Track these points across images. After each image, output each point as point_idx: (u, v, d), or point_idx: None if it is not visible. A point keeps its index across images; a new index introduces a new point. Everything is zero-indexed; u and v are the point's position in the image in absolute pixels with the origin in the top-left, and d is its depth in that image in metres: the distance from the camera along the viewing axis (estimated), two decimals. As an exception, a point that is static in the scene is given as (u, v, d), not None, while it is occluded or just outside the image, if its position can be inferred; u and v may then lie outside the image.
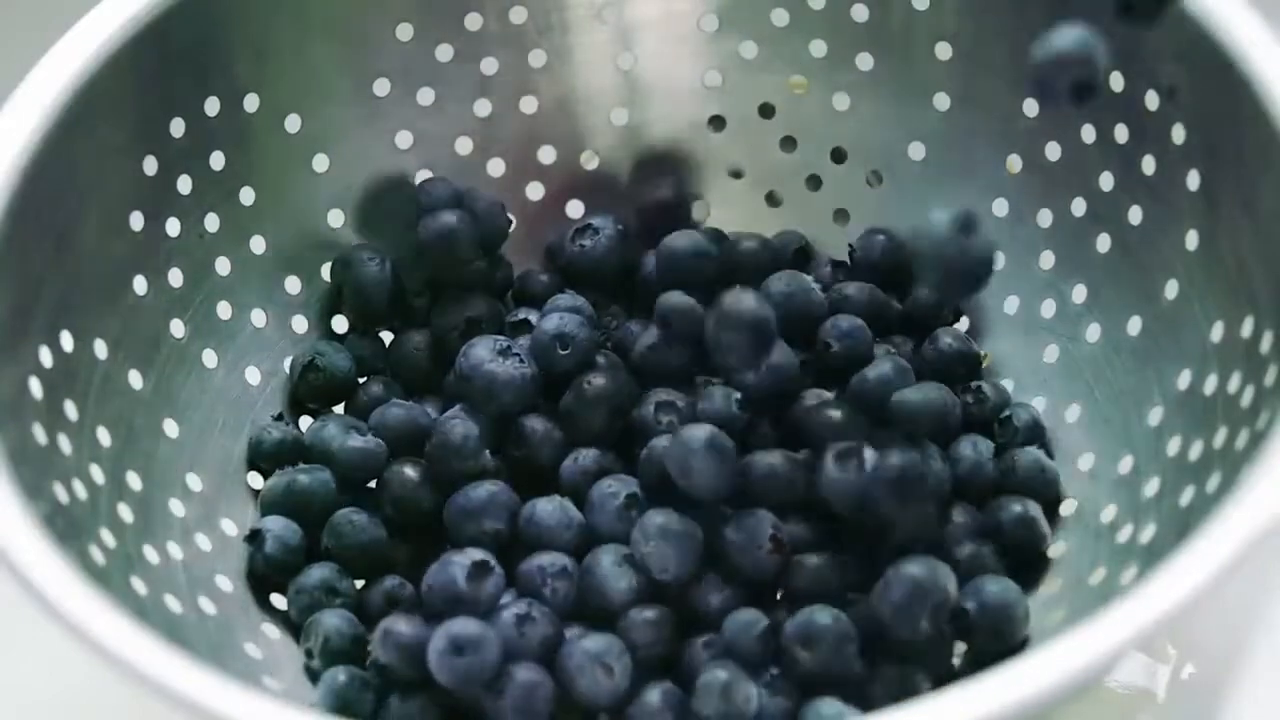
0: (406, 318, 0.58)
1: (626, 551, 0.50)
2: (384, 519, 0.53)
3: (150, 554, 0.49)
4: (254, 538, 0.52)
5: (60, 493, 0.46)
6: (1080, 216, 0.55)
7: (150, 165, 0.53)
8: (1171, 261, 0.51)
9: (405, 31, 0.57)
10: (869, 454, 0.48)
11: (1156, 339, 0.52)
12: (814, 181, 0.60)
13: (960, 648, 0.50)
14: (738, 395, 0.52)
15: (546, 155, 0.60)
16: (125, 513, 0.49)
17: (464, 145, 0.60)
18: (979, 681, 0.39)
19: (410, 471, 0.53)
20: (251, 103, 0.55)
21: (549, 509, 0.51)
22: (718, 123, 0.60)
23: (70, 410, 0.49)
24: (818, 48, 0.58)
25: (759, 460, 0.51)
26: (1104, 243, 0.54)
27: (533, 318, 0.56)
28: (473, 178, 0.60)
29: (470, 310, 0.56)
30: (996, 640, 0.48)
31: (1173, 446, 0.49)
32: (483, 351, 0.53)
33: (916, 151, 0.58)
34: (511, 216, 0.59)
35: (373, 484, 0.54)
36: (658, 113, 0.60)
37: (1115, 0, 0.46)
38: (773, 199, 0.60)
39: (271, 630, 0.51)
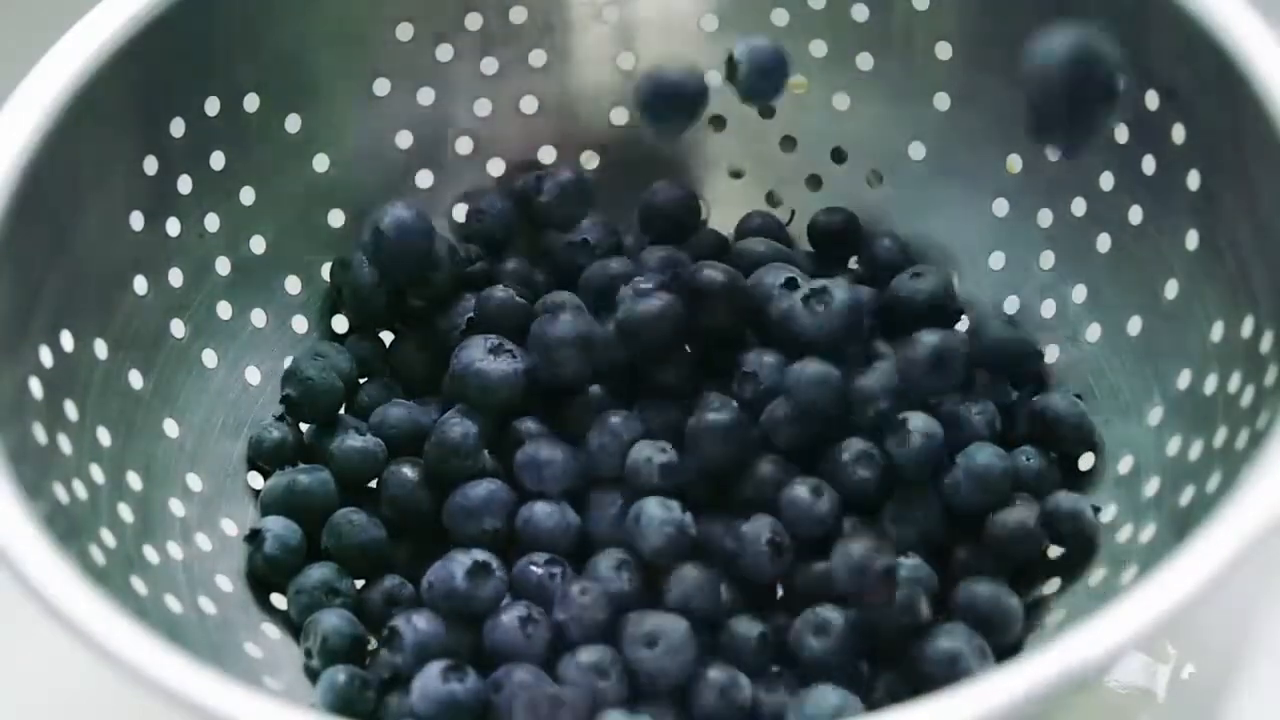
0: (406, 318, 0.58)
1: (623, 556, 0.50)
2: (383, 519, 0.53)
3: (150, 554, 0.49)
4: (254, 538, 0.52)
5: (60, 493, 0.46)
6: (1080, 216, 0.55)
7: (150, 165, 0.53)
8: (1171, 261, 0.51)
9: (405, 31, 0.57)
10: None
11: (1156, 339, 0.52)
12: (814, 181, 0.60)
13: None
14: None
15: (546, 155, 0.60)
16: (125, 513, 0.49)
17: (464, 145, 0.60)
18: (979, 682, 0.39)
19: (408, 472, 0.53)
20: (251, 103, 0.55)
21: (547, 511, 0.51)
22: (718, 123, 0.60)
23: (70, 410, 0.49)
24: (818, 48, 0.58)
25: (758, 468, 0.51)
26: (1104, 243, 0.54)
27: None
28: (473, 178, 0.60)
29: (470, 310, 0.56)
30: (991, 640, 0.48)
31: (1173, 446, 0.49)
32: (475, 351, 0.53)
33: (916, 151, 0.58)
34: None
35: (373, 484, 0.54)
36: (658, 113, 0.60)
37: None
38: (773, 199, 0.60)
39: (271, 630, 0.51)
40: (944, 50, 0.56)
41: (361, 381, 0.57)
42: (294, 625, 0.51)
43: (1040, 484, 0.52)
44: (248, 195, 0.56)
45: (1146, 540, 0.48)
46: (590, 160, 0.60)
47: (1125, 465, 0.52)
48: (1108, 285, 0.54)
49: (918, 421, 0.50)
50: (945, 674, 0.46)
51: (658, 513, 0.49)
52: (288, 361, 0.56)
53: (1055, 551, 0.51)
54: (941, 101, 0.57)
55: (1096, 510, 0.51)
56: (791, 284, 0.54)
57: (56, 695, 0.54)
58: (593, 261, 0.57)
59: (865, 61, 0.58)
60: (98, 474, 0.49)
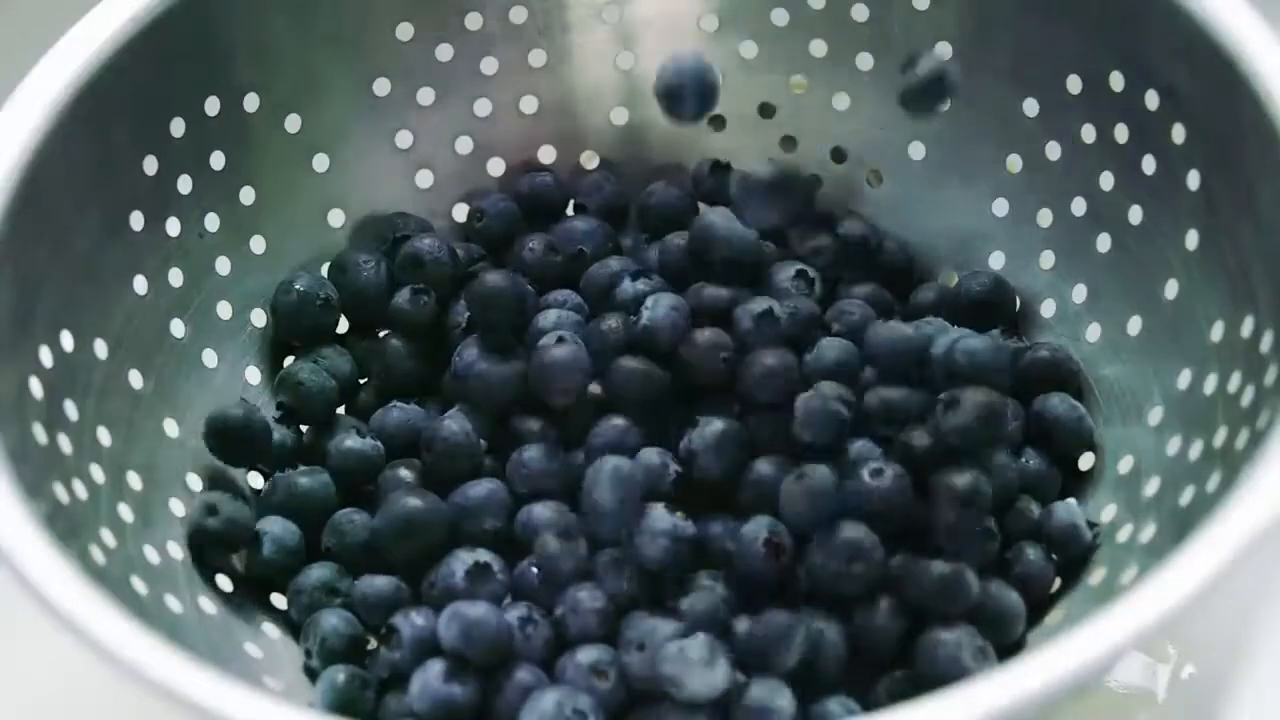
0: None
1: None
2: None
3: (150, 554, 0.49)
4: (252, 540, 0.52)
5: (60, 493, 0.46)
6: (1080, 216, 0.55)
7: (150, 165, 0.53)
8: (1171, 261, 0.51)
9: (405, 31, 0.57)
10: None
11: (1156, 339, 0.52)
12: (814, 181, 0.60)
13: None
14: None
15: (546, 155, 0.60)
16: (125, 513, 0.49)
17: (464, 145, 0.60)
18: (979, 682, 0.39)
19: (405, 473, 0.53)
20: (251, 103, 0.55)
21: (546, 514, 0.51)
22: (718, 123, 0.60)
23: (70, 410, 0.49)
24: (818, 48, 0.58)
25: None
26: (1104, 243, 0.54)
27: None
28: (473, 178, 0.60)
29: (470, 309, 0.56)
30: (994, 638, 0.48)
31: (1173, 446, 0.50)
32: (476, 350, 0.53)
33: (916, 151, 0.58)
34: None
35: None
36: (658, 113, 0.60)
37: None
38: (773, 199, 0.60)
39: (271, 630, 0.51)
40: (944, 50, 0.56)
41: (362, 382, 0.57)
42: (294, 625, 0.51)
43: (1042, 486, 0.52)
44: (248, 195, 0.56)
45: (1146, 540, 0.48)
46: (590, 160, 0.60)
47: (1125, 465, 0.52)
48: (1108, 285, 0.54)
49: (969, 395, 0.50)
50: (945, 674, 0.46)
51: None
52: (288, 361, 0.56)
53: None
54: (941, 101, 0.57)
55: (1093, 526, 0.51)
56: (802, 276, 0.54)
57: (56, 695, 0.54)
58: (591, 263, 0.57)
59: (865, 61, 0.58)
60: (98, 474, 0.49)
